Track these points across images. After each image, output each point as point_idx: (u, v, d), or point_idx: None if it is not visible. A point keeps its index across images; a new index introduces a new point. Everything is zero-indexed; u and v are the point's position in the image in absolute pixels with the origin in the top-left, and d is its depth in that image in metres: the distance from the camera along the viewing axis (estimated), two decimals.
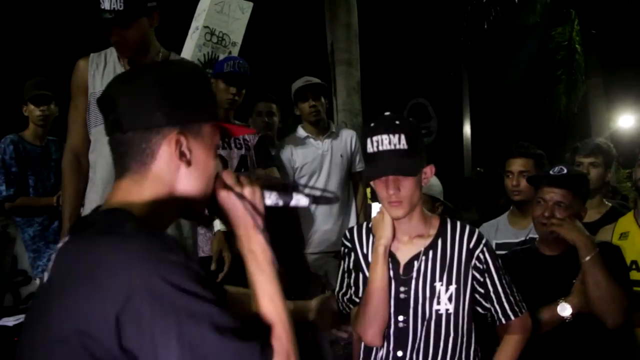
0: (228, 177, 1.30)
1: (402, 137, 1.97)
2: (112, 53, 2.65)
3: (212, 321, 1.07)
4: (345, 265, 2.22)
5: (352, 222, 4.10)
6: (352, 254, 2.20)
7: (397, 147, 1.96)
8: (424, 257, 2.09)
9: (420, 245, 2.11)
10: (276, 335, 1.18)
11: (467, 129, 14.23)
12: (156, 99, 1.22)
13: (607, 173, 3.38)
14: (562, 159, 3.41)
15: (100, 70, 2.59)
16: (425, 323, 2.05)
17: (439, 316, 2.05)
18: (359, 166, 4.06)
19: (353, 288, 2.18)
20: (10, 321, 2.80)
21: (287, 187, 1.38)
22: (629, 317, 2.36)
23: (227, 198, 1.28)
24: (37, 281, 3.81)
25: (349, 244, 2.22)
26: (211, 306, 1.09)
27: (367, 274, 2.13)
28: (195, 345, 1.05)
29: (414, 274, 2.08)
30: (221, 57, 4.45)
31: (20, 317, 2.90)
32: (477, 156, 13.71)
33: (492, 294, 2.10)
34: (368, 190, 4.46)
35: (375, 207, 4.33)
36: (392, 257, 2.10)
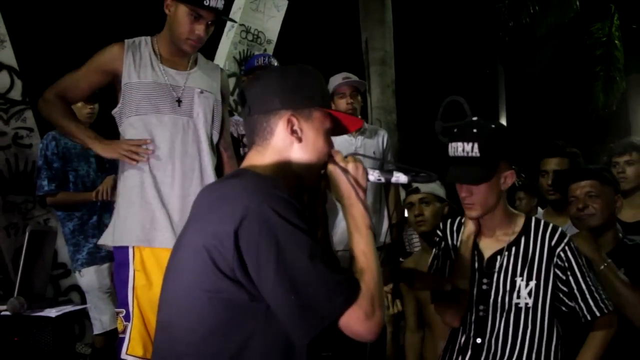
0: (337, 155, 1.59)
1: (476, 145, 2.11)
2: (147, 44, 2.63)
3: (307, 248, 1.30)
4: (436, 252, 2.42)
5: (385, 220, 4.08)
6: (443, 243, 2.40)
7: (470, 154, 2.12)
8: (506, 253, 2.21)
9: (504, 241, 2.24)
10: (365, 280, 1.36)
11: None
12: (275, 90, 1.55)
13: None
14: (598, 160, 3.37)
15: (137, 61, 2.56)
16: (505, 314, 2.16)
17: (518, 309, 2.15)
18: (390, 165, 4.04)
19: (440, 272, 2.35)
20: (52, 312, 2.86)
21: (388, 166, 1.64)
22: None
23: (334, 172, 1.56)
24: (76, 274, 3.89)
25: (441, 234, 2.43)
26: (307, 237, 1.32)
27: (454, 261, 2.30)
28: (290, 265, 1.28)
29: (496, 269, 2.21)
30: (257, 54, 4.49)
31: (62, 309, 2.96)
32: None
33: (575, 291, 2.14)
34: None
35: None
36: (477, 251, 2.26)
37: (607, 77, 12.55)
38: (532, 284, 2.15)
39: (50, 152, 3.77)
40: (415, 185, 3.16)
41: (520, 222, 2.26)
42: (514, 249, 2.21)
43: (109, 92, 2.69)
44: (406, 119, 9.25)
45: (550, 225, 2.23)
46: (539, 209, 3.92)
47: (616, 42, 12.56)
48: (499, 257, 2.22)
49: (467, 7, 13.28)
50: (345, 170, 1.55)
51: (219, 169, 2.70)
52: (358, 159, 1.60)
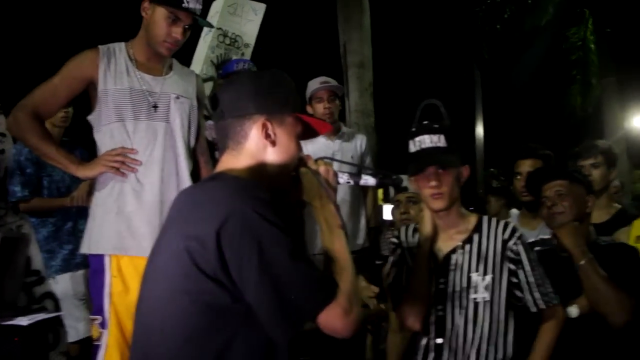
0: (308, 159, 1.66)
1: (442, 137, 2.24)
2: (121, 50, 2.60)
3: (288, 248, 1.35)
4: (394, 259, 2.44)
5: (363, 224, 4.08)
6: (399, 249, 2.43)
7: (438, 145, 2.24)
8: (461, 251, 2.28)
9: (458, 239, 2.30)
10: (342, 279, 1.42)
11: (479, 130, 14.19)
12: (249, 95, 1.60)
13: (610, 173, 3.36)
14: (566, 164, 3.41)
15: (112, 68, 2.53)
16: (464, 311, 2.20)
17: (476, 304, 2.20)
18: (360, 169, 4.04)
19: (398, 278, 2.38)
20: (24, 320, 2.81)
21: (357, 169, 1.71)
22: None
23: (305, 174, 1.63)
24: (50, 281, 3.83)
25: (396, 240, 2.46)
26: (288, 237, 1.37)
27: (410, 265, 2.33)
28: (272, 265, 1.32)
29: (452, 267, 2.25)
30: (234, 58, 4.46)
31: (34, 317, 2.91)
32: (490, 157, 13.65)
33: (524, 284, 2.22)
34: (380, 191, 4.46)
35: (387, 209, 4.32)
36: (432, 251, 2.30)
37: (584, 81, 12.70)
38: (489, 278, 2.22)
39: (24, 158, 3.72)
40: (403, 184, 3.15)
41: (473, 220, 2.34)
42: (468, 246, 2.28)
43: (82, 95, 2.64)
44: (384, 122, 9.28)
45: (502, 221, 2.33)
46: (515, 210, 3.95)
47: (591, 46, 12.72)
48: (453, 255, 2.27)
49: (445, 12, 13.38)
50: (316, 173, 1.62)
51: (195, 174, 2.68)
52: (328, 162, 1.69)
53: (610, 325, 2.32)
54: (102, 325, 2.40)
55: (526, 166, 3.25)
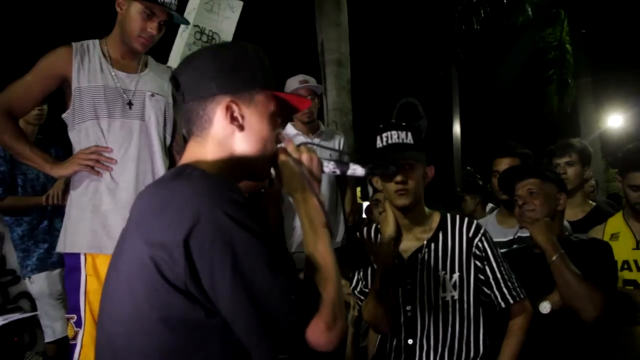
0: (289, 145, 1.45)
1: (409, 134, 2.22)
2: (95, 47, 2.57)
3: (266, 258, 1.18)
4: (357, 262, 2.40)
5: (341, 221, 4.09)
6: (362, 251, 2.38)
7: (405, 141, 2.21)
8: (426, 250, 2.25)
9: (423, 239, 2.27)
10: (325, 288, 1.26)
11: (457, 128, 14.28)
12: (211, 72, 1.38)
13: (584, 170, 3.43)
14: (541, 162, 3.46)
15: (85, 65, 2.51)
16: (433, 310, 2.19)
17: (445, 303, 2.19)
18: (347, 157, 4.05)
19: (363, 281, 2.34)
20: None
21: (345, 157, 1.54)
22: (628, 314, 2.47)
23: (285, 163, 1.44)
24: (26, 281, 3.79)
25: (358, 241, 2.42)
26: (265, 245, 1.19)
27: (375, 267, 2.28)
28: (248, 275, 1.16)
29: (418, 267, 2.22)
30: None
31: (9, 317, 2.88)
32: (467, 155, 13.75)
33: (491, 280, 2.23)
34: (358, 189, 4.47)
35: (365, 205, 4.34)
36: (397, 251, 2.24)
37: (560, 81, 12.86)
38: (456, 276, 2.21)
39: None
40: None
41: (437, 219, 2.32)
42: (432, 244, 2.26)
43: (57, 93, 2.60)
44: (362, 120, 9.30)
45: (466, 219, 2.33)
46: (491, 204, 4.00)
47: (567, 46, 12.88)
48: (419, 255, 2.24)
49: (422, 10, 13.44)
50: (298, 162, 1.43)
51: None
52: (312, 148, 1.48)
53: (581, 321, 2.35)
54: (78, 324, 2.39)
55: (504, 164, 3.27)
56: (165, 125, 2.64)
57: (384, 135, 2.22)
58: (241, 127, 1.39)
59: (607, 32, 12.15)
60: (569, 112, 13.18)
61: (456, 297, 2.19)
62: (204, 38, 4.73)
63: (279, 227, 3.82)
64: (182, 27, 4.91)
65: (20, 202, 3.71)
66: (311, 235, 1.37)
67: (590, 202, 3.48)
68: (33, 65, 2.52)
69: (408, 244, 2.26)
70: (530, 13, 12.14)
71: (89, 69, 2.51)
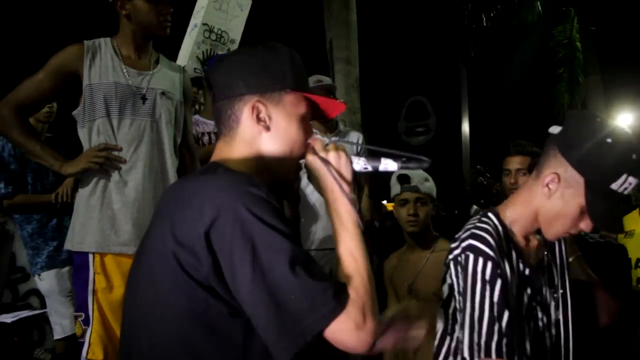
0: (316, 144, 1.42)
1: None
2: (107, 44, 2.58)
3: (287, 254, 1.14)
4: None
5: None
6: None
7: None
8: None
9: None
10: (354, 286, 1.21)
11: (465, 127, 14.23)
12: (240, 72, 1.39)
13: None
14: None
15: (97, 63, 2.51)
16: None
17: None
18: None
19: None
20: (8, 318, 2.79)
21: (375, 152, 1.47)
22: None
23: (313, 163, 1.41)
24: (36, 278, 3.81)
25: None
26: (286, 241, 1.16)
27: None
28: (267, 273, 1.13)
29: None
30: (220, 54, 4.45)
31: (19, 314, 2.90)
32: (476, 154, 13.70)
33: None
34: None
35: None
36: None
37: (571, 78, 12.81)
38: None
39: (7, 154, 3.68)
40: (413, 183, 3.02)
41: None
42: None
43: (65, 90, 2.61)
44: (370, 119, 9.29)
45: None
46: (474, 207, 3.96)
47: (577, 44, 12.83)
48: None
49: (432, 9, 13.41)
50: (325, 161, 1.39)
51: (181, 171, 2.67)
52: (341, 146, 1.44)
53: (593, 323, 2.33)
54: (86, 322, 2.39)
55: (515, 163, 3.25)
56: (175, 124, 2.64)
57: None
58: (267, 128, 1.38)
59: (617, 30, 12.08)
60: (579, 110, 13.12)
61: None
62: (213, 36, 4.75)
63: (296, 227, 3.81)
64: (191, 25, 4.92)
65: (30, 200, 3.73)
66: (342, 234, 1.33)
67: None
68: (44, 64, 2.52)
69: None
70: (540, 10, 12.09)
71: (101, 66, 2.51)
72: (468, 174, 14.17)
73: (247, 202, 1.17)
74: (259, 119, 1.38)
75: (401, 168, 1.47)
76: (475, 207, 3.90)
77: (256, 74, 1.39)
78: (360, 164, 1.46)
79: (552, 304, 1.84)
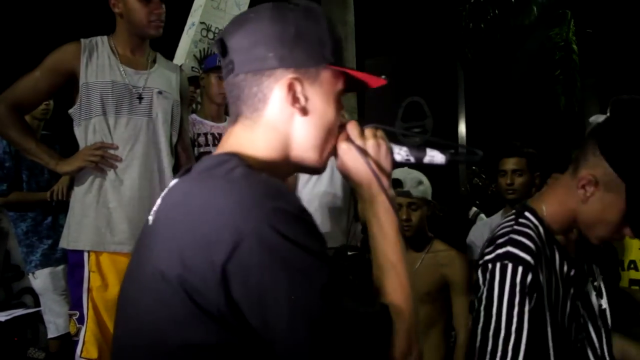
0: (352, 129, 1.18)
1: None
2: (104, 43, 2.57)
3: (326, 280, 0.94)
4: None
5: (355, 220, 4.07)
6: None
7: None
8: None
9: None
10: (398, 310, 1.03)
11: (462, 128, 14.23)
12: (270, 40, 1.09)
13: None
14: (549, 160, 3.47)
15: (94, 61, 2.51)
16: None
17: None
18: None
19: None
20: (2, 316, 2.78)
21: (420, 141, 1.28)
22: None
23: (348, 153, 1.16)
24: (30, 276, 3.79)
25: None
26: (325, 265, 0.95)
27: None
28: (308, 304, 0.92)
29: None
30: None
31: (13, 312, 2.88)
32: None
33: None
34: None
35: None
36: None
37: (567, 81, 12.84)
38: None
39: (2, 151, 3.68)
40: (405, 188, 2.87)
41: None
42: None
43: (62, 88, 2.60)
44: (367, 120, 9.28)
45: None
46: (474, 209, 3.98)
47: (574, 46, 12.87)
48: None
49: (428, 10, 13.42)
50: (364, 152, 1.15)
51: (177, 171, 2.66)
52: (380, 133, 1.20)
53: None
54: (80, 320, 2.39)
55: (511, 164, 3.26)
56: (172, 123, 2.64)
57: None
58: (304, 110, 1.11)
59: (613, 33, 12.12)
60: (575, 113, 13.15)
61: None
62: (210, 35, 4.74)
63: None
64: (188, 23, 4.91)
65: (25, 198, 3.72)
66: (380, 241, 1.12)
67: None
68: (41, 62, 2.52)
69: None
70: (535, 12, 12.13)
71: (98, 64, 2.51)
72: (464, 175, 14.18)
73: (275, 221, 0.93)
74: (295, 100, 1.10)
75: (449, 161, 1.22)
76: (474, 209, 3.91)
77: (291, 43, 1.10)
78: (402, 155, 1.22)
79: (594, 293, 1.69)
